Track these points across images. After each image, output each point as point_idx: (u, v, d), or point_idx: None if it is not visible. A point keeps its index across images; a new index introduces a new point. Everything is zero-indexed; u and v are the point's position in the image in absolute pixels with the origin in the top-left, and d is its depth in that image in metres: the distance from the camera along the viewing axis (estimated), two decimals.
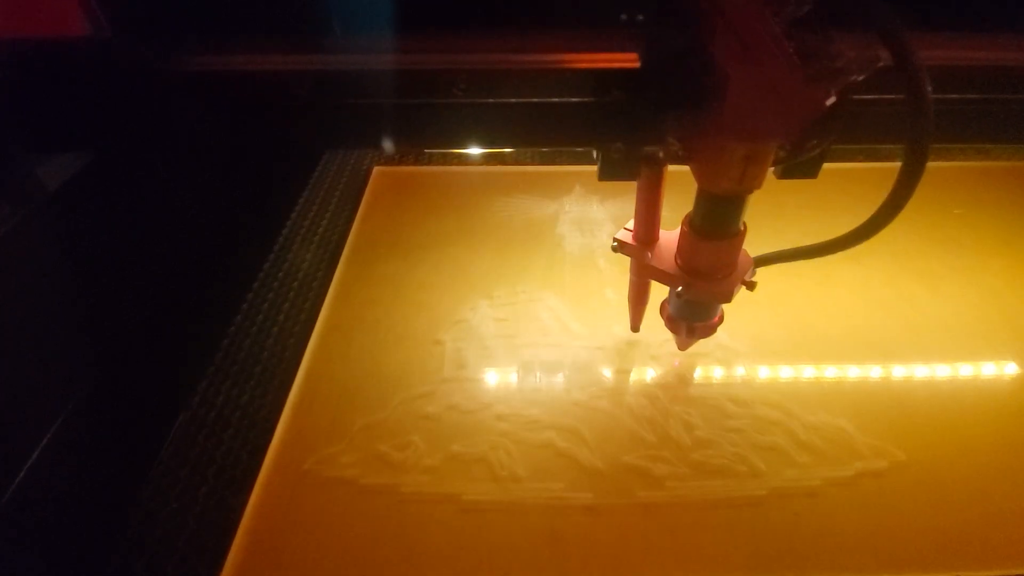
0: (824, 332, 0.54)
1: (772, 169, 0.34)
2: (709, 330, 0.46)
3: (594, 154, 0.36)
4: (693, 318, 0.45)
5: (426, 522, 0.41)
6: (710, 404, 0.49)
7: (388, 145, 0.38)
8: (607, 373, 0.51)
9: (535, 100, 0.34)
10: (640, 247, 0.43)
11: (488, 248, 0.63)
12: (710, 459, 0.45)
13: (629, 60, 0.32)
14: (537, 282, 0.60)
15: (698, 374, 0.51)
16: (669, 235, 0.43)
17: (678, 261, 0.41)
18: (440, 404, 0.49)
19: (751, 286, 0.41)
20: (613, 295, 0.58)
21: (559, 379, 0.51)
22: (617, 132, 0.34)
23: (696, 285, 0.40)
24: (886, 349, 0.53)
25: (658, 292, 0.47)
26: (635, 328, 0.52)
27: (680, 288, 0.41)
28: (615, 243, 0.44)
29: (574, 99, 0.33)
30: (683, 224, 0.39)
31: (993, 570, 0.39)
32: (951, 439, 0.46)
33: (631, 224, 0.44)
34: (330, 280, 0.60)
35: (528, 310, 0.57)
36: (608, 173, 0.36)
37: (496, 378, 0.51)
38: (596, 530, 0.41)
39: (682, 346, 0.49)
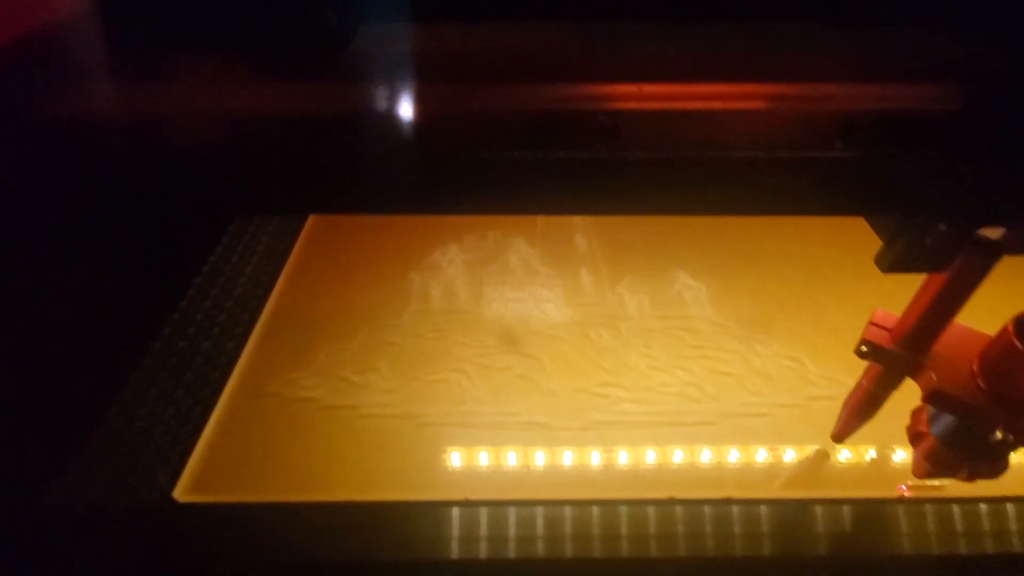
0: (783, 271, 0.55)
1: None
2: (997, 472, 0.32)
3: (883, 236, 0.25)
4: (981, 458, 0.31)
5: (384, 439, 0.42)
6: (670, 335, 0.50)
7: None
8: (568, 308, 0.52)
9: (787, 154, 0.23)
10: (910, 356, 0.31)
11: None
12: (665, 385, 0.46)
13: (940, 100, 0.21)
14: (508, 228, 0.61)
15: (658, 310, 0.52)
16: (950, 341, 0.30)
17: (981, 384, 0.29)
18: (405, 334, 0.50)
19: None
20: (581, 239, 0.59)
21: (522, 311, 0.52)
22: (942, 208, 0.22)
23: None
24: (843, 285, 0.54)
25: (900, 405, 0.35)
26: (840, 439, 0.40)
27: (1000, 433, 0.28)
28: (863, 347, 0.32)
29: (855, 154, 0.22)
30: (1014, 337, 0.27)
31: (941, 490, 0.40)
32: None
33: (881, 317, 0.32)
34: (303, 225, 0.61)
35: (497, 253, 0.58)
36: (905, 263, 0.24)
37: (461, 310, 0.52)
38: (551, 448, 0.42)
39: (923, 474, 0.35)
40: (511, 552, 0.37)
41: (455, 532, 0.37)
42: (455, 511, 0.38)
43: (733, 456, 0.41)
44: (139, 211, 0.55)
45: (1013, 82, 0.20)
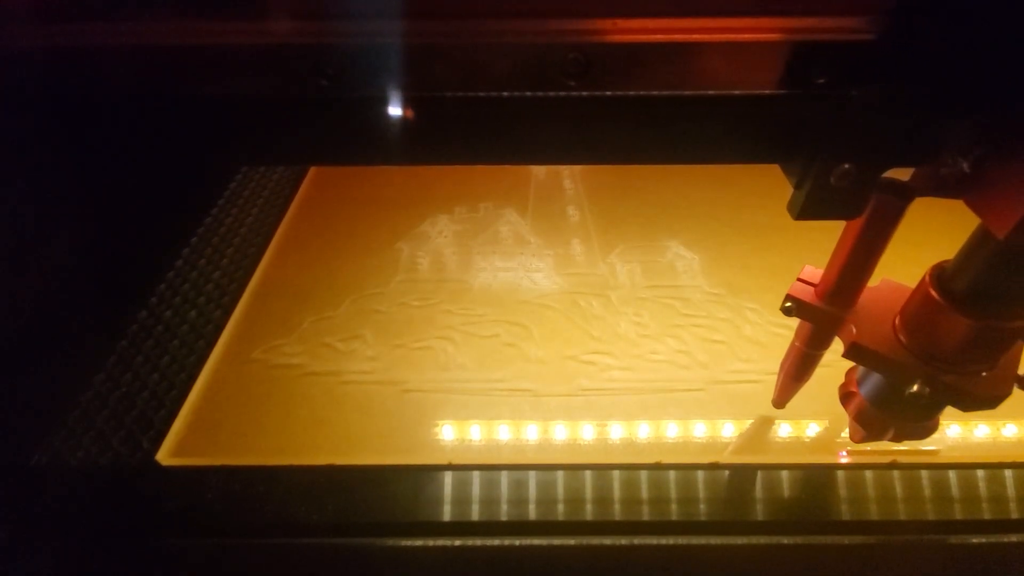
0: (777, 242, 0.54)
1: None
2: (926, 431, 0.31)
3: (792, 180, 0.23)
4: (907, 417, 0.30)
5: (366, 405, 0.42)
6: (661, 304, 0.49)
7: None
8: (558, 278, 0.51)
9: (685, 93, 0.21)
10: (834, 311, 0.30)
11: (453, 167, 0.64)
12: (655, 353, 0.45)
13: (847, 30, 0.19)
14: (500, 199, 0.60)
15: (649, 279, 0.51)
16: (875, 296, 0.30)
17: (902, 339, 0.28)
18: (391, 302, 0.49)
19: None
20: (574, 211, 0.58)
21: (512, 281, 0.51)
22: (849, 147, 0.21)
23: (947, 381, 0.26)
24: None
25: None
26: (780, 405, 0.39)
27: (917, 386, 0.27)
28: (788, 303, 0.31)
29: (761, 92, 0.20)
30: (929, 287, 0.26)
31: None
32: None
33: (808, 273, 0.31)
34: (293, 196, 0.61)
35: (488, 224, 0.57)
36: (815, 208, 0.22)
37: (448, 279, 0.51)
38: (536, 413, 0.41)
39: (859, 438, 0.33)
40: (495, 516, 0.36)
41: (438, 496, 0.37)
42: (438, 475, 0.38)
43: (722, 422, 0.40)
44: (129, 180, 0.55)
45: (922, 10, 0.18)
